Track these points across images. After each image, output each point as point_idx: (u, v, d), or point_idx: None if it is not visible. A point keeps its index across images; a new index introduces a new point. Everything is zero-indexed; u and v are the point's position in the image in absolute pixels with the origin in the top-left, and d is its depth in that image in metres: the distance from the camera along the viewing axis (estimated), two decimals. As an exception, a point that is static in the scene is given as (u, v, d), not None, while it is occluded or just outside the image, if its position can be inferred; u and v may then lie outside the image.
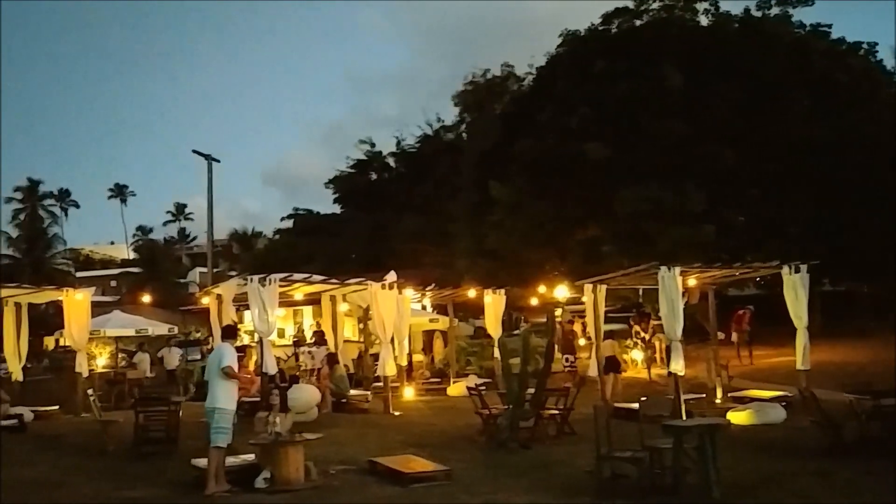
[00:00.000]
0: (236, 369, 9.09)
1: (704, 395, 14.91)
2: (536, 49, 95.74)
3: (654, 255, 17.39)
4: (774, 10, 33.49)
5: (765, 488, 8.14)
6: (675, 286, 12.91)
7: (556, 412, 12.08)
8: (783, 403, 13.36)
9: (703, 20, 35.19)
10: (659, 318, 18.64)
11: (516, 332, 25.48)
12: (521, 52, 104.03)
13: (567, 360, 19.70)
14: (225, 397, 8.88)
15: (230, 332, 9.93)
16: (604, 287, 15.78)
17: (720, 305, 17.92)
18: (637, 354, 22.14)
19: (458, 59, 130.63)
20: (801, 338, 13.94)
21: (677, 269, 13.05)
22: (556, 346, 17.52)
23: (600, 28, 36.18)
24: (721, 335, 18.67)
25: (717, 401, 14.83)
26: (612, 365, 16.25)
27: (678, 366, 12.79)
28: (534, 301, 27.19)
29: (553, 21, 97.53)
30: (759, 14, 33.66)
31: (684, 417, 11.27)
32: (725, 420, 11.01)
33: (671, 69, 29.38)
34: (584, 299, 16.56)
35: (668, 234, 25.43)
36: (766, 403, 13.41)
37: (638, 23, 35.52)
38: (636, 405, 10.61)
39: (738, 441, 10.27)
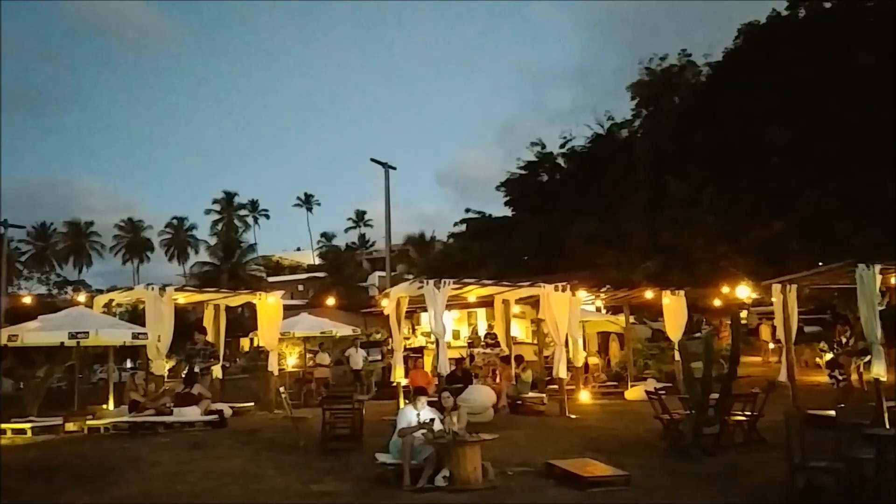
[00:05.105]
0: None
1: (912, 403, 13.63)
2: (719, 34, 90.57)
3: (844, 256, 16.09)
4: None
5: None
6: (875, 285, 11.92)
7: (744, 418, 11.50)
8: None
9: None
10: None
11: (697, 334, 24.49)
12: (702, 36, 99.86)
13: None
14: None
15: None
16: (794, 287, 14.84)
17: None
18: (833, 359, 20.61)
19: (634, 49, 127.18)
20: None
21: (877, 267, 12.03)
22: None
23: (785, 13, 34.26)
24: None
25: (928, 409, 13.51)
26: None
27: (880, 370, 11.81)
28: (716, 302, 26.00)
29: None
30: None
31: (888, 426, 10.36)
32: (937, 430, 10.00)
33: (862, 52, 27.24)
34: (773, 299, 15.63)
35: (862, 232, 23.54)
36: None
37: (827, 5, 33.30)
38: (832, 412, 9.86)
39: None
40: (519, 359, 17.52)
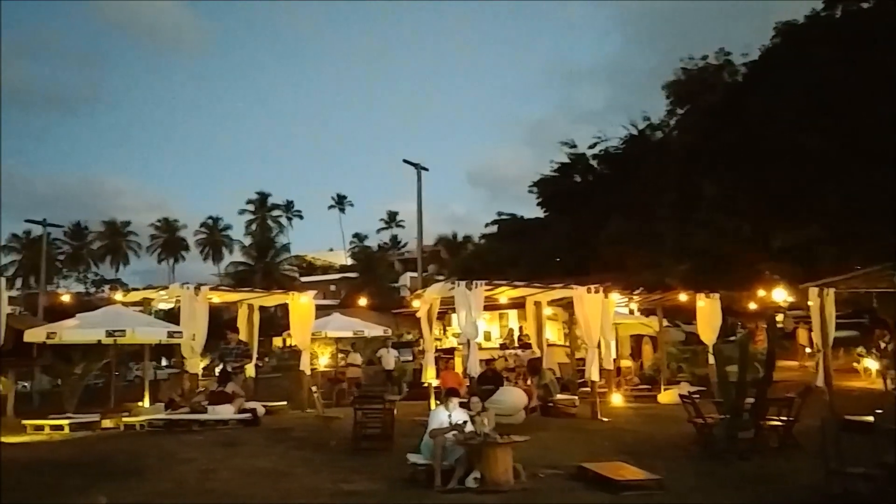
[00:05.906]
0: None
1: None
2: (760, 31, 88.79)
3: (876, 260, 15.70)
4: None
5: None
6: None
7: (779, 423, 11.32)
8: None
9: None
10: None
11: (732, 338, 24.18)
12: (742, 34, 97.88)
13: None
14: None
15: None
16: (831, 291, 14.59)
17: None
18: (871, 363, 20.26)
19: (671, 47, 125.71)
20: None
21: (918, 271, 11.81)
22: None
23: (822, 13, 33.80)
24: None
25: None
26: None
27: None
28: (752, 305, 25.63)
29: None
30: None
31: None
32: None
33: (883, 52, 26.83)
34: (809, 303, 15.39)
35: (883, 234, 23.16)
36: None
37: (865, 5, 32.80)
38: (870, 418, 9.68)
39: None
40: (534, 369, 17.15)
